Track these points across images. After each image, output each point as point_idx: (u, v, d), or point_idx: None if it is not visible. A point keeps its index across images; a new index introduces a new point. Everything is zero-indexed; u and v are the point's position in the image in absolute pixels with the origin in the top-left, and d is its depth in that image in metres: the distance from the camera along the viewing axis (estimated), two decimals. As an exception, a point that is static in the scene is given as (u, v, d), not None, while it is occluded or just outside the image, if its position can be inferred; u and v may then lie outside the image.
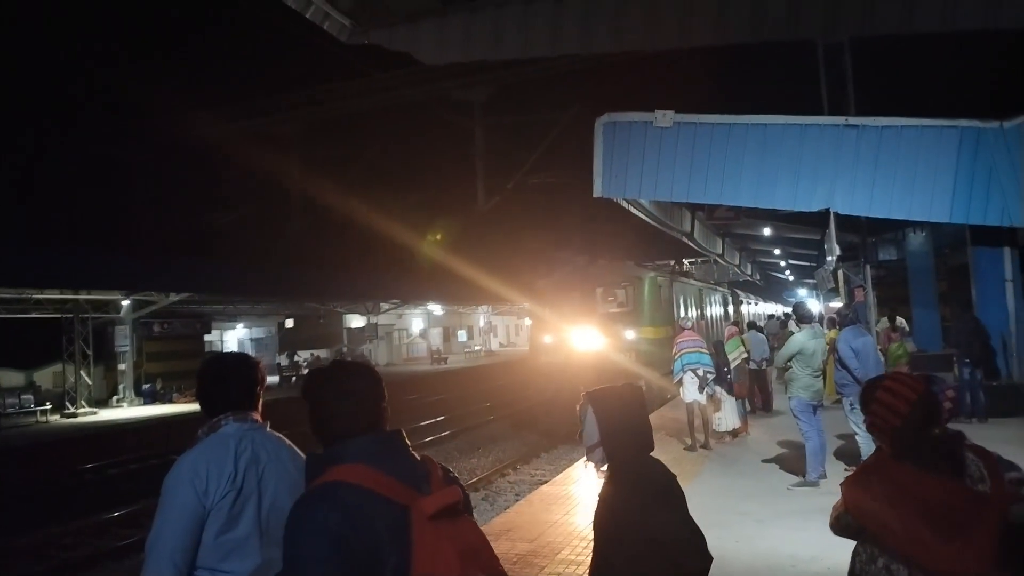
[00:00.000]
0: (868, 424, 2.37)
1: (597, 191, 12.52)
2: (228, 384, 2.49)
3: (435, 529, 1.60)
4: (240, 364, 2.58)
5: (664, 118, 11.83)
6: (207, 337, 29.49)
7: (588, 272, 16.70)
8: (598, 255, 17.99)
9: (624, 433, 2.41)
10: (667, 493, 2.36)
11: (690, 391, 10.04)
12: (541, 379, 15.38)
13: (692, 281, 21.45)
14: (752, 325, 14.61)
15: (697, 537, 2.36)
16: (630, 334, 15.10)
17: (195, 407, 2.79)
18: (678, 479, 2.48)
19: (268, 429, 2.50)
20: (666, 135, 11.93)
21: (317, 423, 1.83)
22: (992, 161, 10.59)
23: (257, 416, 2.51)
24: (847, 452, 8.43)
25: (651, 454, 2.47)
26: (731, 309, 27.31)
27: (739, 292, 32.27)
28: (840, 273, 18.80)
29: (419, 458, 1.82)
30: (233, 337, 34.58)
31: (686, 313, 18.02)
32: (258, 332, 35.96)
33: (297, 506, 1.66)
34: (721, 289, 27.23)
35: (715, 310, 23.79)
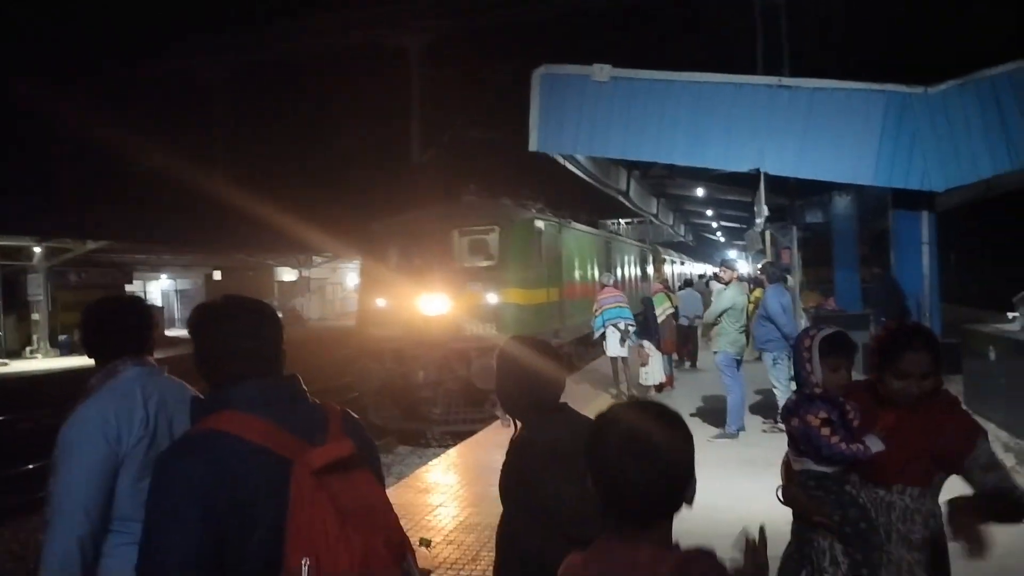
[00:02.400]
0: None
1: (533, 145, 12.38)
2: (120, 328, 2.32)
3: (317, 485, 1.46)
4: (131, 306, 2.44)
5: (601, 72, 11.70)
6: (128, 288, 28.33)
7: (443, 212, 12.53)
8: (467, 191, 13.79)
9: (518, 389, 2.29)
10: (563, 452, 2.18)
11: (612, 345, 10.25)
12: (369, 360, 11.34)
13: (595, 232, 17.93)
14: (688, 283, 14.89)
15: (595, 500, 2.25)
16: (493, 298, 11.00)
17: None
18: None
19: (168, 374, 2.35)
20: (603, 90, 11.82)
21: (203, 363, 1.66)
22: (916, 126, 10.88)
23: (153, 360, 2.36)
24: (764, 406, 8.69)
25: (573, 408, 2.36)
26: (651, 268, 25.51)
27: (662, 250, 31.25)
28: (768, 234, 19.27)
29: (318, 406, 1.69)
30: (157, 288, 33.35)
31: (583, 271, 15.38)
32: (184, 284, 34.76)
33: (165, 454, 1.52)
34: (639, 245, 24.97)
35: (631, 269, 21.11)
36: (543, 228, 12.77)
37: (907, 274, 12.04)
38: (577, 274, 15.15)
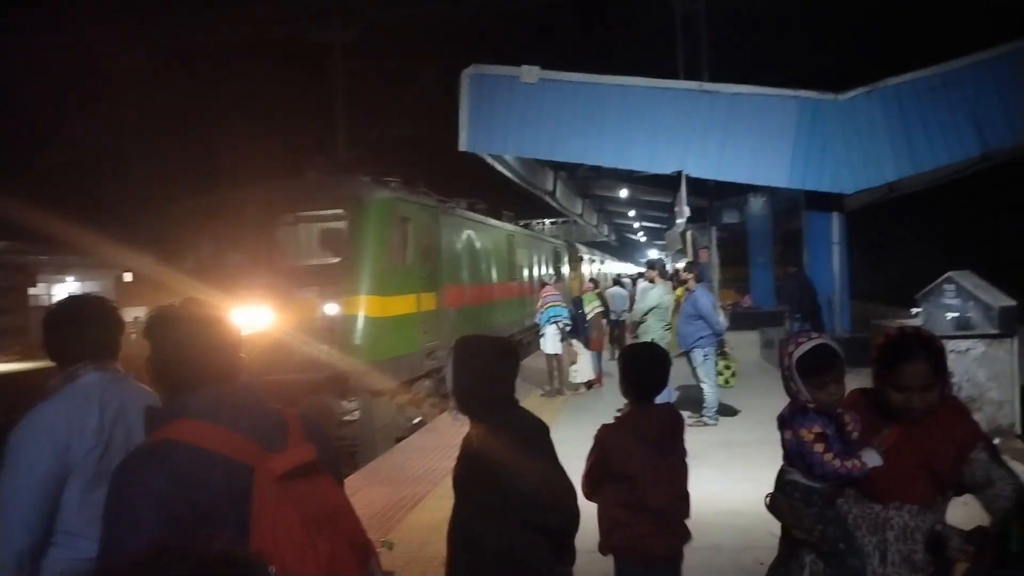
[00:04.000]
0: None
1: (463, 145, 12.40)
2: (84, 329, 2.20)
3: (280, 492, 1.45)
4: (96, 307, 2.29)
5: (530, 74, 11.83)
6: (32, 291, 26.79)
7: (269, 192, 9.31)
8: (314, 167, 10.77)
9: (475, 386, 2.33)
10: (525, 446, 2.28)
11: (552, 343, 10.41)
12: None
13: (491, 222, 14.33)
14: (616, 281, 15.23)
15: (557, 490, 2.31)
16: (333, 308, 8.14)
17: (18, 367, 2.45)
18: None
19: (133, 380, 2.25)
20: (532, 91, 11.95)
21: (158, 371, 1.62)
22: (827, 131, 11.47)
23: (118, 366, 2.25)
24: (689, 401, 8.97)
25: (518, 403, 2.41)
26: (566, 267, 23.25)
27: (581, 248, 29.34)
28: (688, 234, 19.91)
29: (277, 412, 1.67)
30: (63, 291, 31.62)
31: (475, 271, 12.48)
32: (92, 286, 33.07)
33: (122, 466, 1.47)
34: (552, 241, 22.70)
35: (541, 267, 18.79)
36: (411, 213, 9.54)
37: (819, 272, 12.65)
38: (466, 274, 11.86)
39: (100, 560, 1.42)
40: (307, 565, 1.42)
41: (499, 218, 15.22)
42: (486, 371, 2.35)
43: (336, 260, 8.55)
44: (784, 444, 2.22)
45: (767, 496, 2.28)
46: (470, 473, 2.32)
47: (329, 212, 8.81)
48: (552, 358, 10.51)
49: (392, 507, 5.99)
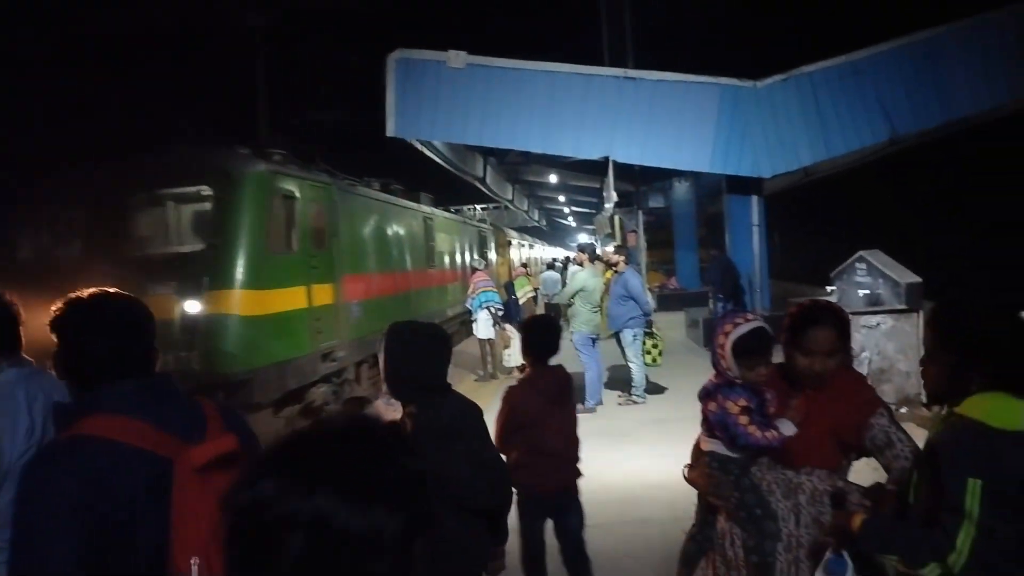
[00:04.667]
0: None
1: (390, 130, 12.24)
2: None
3: (201, 483, 1.43)
4: None
5: (457, 59, 11.75)
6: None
7: (118, 167, 7.82)
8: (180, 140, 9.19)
9: (407, 371, 2.35)
10: (453, 431, 2.31)
11: (484, 328, 10.47)
12: None
13: (402, 203, 12.90)
14: (550, 266, 15.43)
15: (488, 472, 2.34)
16: (195, 306, 6.81)
17: None
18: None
19: (50, 372, 2.16)
20: (460, 76, 11.88)
21: (69, 364, 1.56)
22: (746, 118, 11.84)
23: (30, 359, 2.15)
24: (619, 381, 9.19)
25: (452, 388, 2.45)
26: (493, 252, 22.16)
27: (510, 232, 28.47)
28: (616, 219, 20.25)
29: (196, 403, 1.64)
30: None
31: (383, 258, 11.13)
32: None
33: (32, 465, 1.42)
34: (476, 225, 21.50)
35: (464, 254, 17.51)
36: (299, 191, 8.23)
37: (740, 254, 13.09)
38: (372, 262, 10.55)
39: (11, 570, 1.35)
40: None
41: (417, 200, 14.07)
42: (418, 356, 2.38)
43: (200, 247, 7.18)
44: (706, 415, 2.32)
45: (684, 466, 2.39)
46: None
47: (191, 189, 7.41)
48: (485, 343, 10.59)
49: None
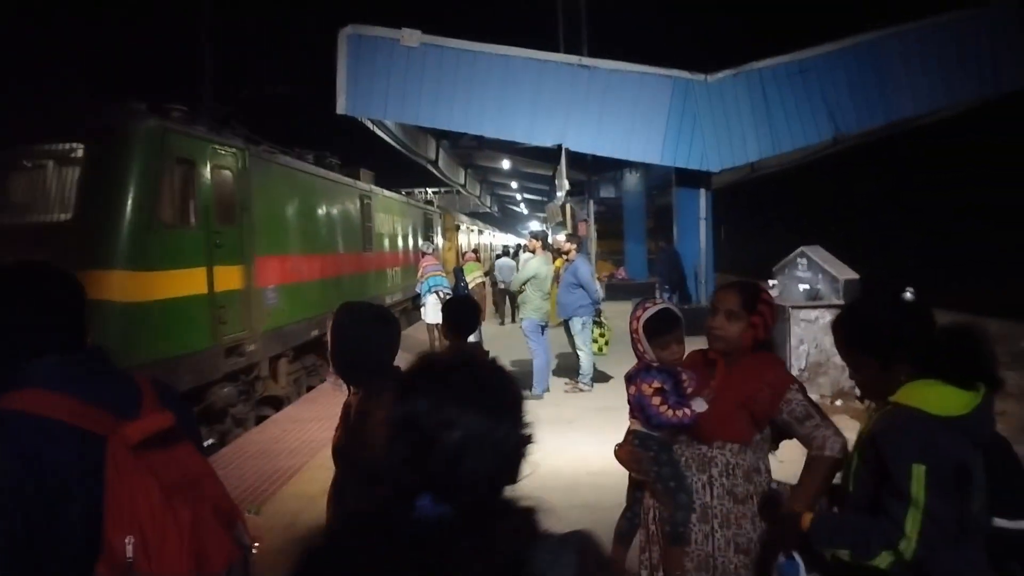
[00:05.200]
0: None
1: (341, 108, 12.00)
2: None
3: (136, 461, 1.38)
4: None
5: (411, 37, 11.58)
6: None
7: None
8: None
9: (354, 352, 2.32)
10: None
11: (433, 312, 10.38)
12: None
13: (338, 178, 11.66)
14: (506, 252, 15.41)
15: None
16: None
17: None
18: None
19: None
20: (413, 55, 11.71)
21: None
22: (696, 111, 11.99)
23: None
24: (567, 368, 9.23)
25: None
26: (439, 236, 20.88)
27: (459, 217, 27.70)
28: (568, 207, 20.36)
29: (130, 379, 1.58)
30: None
31: (308, 239, 9.89)
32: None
33: None
34: (421, 208, 20.16)
35: (407, 238, 16.60)
36: (200, 155, 7.04)
37: (687, 246, 13.30)
38: (295, 242, 9.41)
39: None
40: (168, 533, 1.36)
41: (356, 177, 12.84)
42: (365, 338, 2.34)
43: (64, 217, 5.89)
44: (629, 398, 2.46)
45: (616, 446, 2.51)
46: (351, 440, 2.31)
47: (59, 147, 6.05)
48: (433, 327, 10.49)
49: (265, 480, 5.82)
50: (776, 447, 2.38)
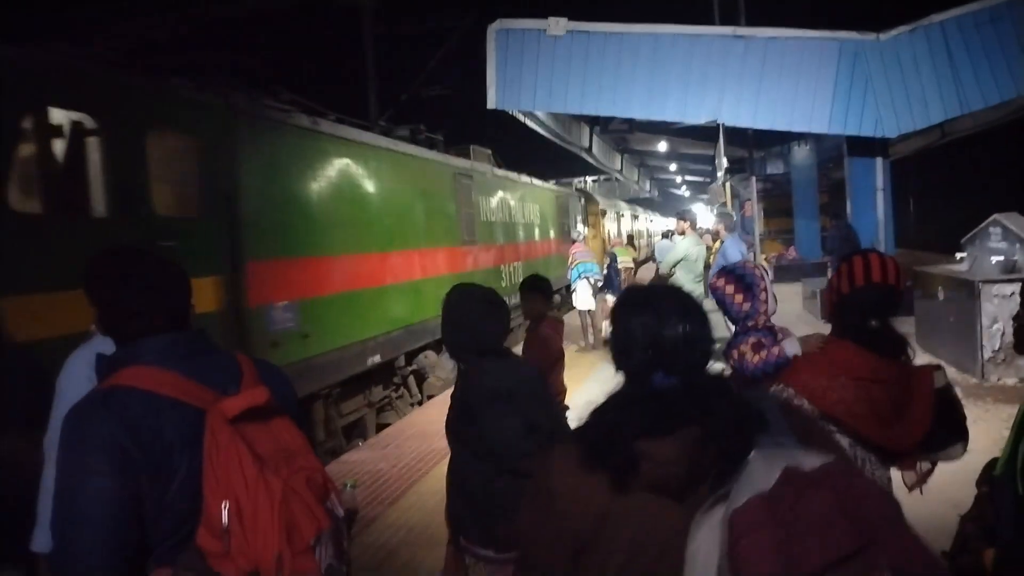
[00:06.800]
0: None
1: (491, 102, 12.24)
2: None
3: (233, 433, 1.49)
4: None
5: (557, 26, 11.57)
6: None
7: None
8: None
9: (460, 334, 2.43)
10: (502, 392, 2.33)
11: (583, 298, 10.43)
12: None
13: (397, 146, 9.09)
14: (666, 235, 15.17)
15: (540, 436, 2.30)
16: None
17: None
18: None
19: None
20: (559, 44, 11.70)
21: (108, 319, 1.65)
22: (868, 73, 10.98)
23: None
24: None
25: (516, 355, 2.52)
26: (581, 224, 18.55)
27: (600, 199, 24.31)
28: (728, 186, 19.47)
29: (231, 357, 1.70)
30: None
31: (321, 229, 6.82)
32: None
33: (72, 414, 1.51)
34: (554, 189, 17.85)
35: (531, 225, 14.44)
36: (101, 109, 4.49)
37: (862, 221, 12.25)
38: (327, 239, 7.01)
39: (55, 512, 1.46)
40: (260, 501, 1.46)
41: (466, 155, 10.73)
42: (470, 320, 2.43)
43: None
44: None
45: None
46: (456, 417, 2.39)
47: None
48: (585, 314, 10.52)
49: (421, 459, 6.10)
50: None
